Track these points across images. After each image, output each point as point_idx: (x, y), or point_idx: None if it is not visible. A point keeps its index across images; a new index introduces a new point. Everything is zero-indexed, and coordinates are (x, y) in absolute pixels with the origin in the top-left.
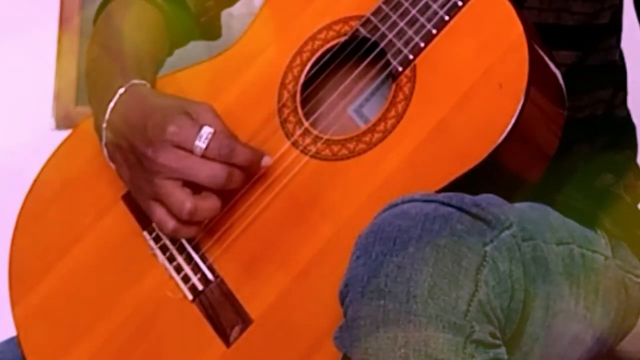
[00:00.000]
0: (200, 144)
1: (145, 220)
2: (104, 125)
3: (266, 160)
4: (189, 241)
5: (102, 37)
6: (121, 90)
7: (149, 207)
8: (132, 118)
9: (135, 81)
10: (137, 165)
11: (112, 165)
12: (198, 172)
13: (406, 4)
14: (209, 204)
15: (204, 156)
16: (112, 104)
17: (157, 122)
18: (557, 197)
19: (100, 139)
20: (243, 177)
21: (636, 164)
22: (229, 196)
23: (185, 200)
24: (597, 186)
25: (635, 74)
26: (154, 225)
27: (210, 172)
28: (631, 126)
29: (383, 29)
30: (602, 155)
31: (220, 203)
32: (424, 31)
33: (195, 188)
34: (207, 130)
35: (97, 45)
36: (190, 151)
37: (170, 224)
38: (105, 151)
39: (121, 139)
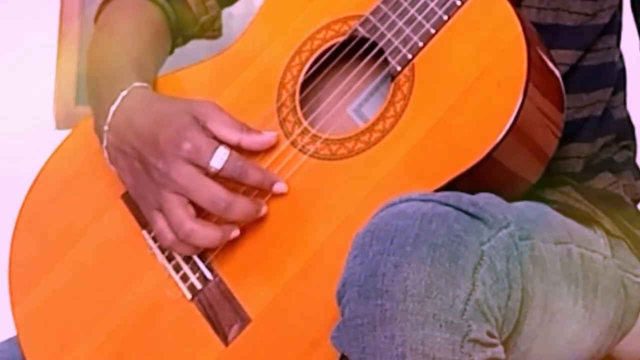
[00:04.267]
0: (215, 164)
1: (144, 220)
2: (106, 127)
3: (279, 187)
4: None
5: (104, 37)
6: (124, 93)
7: (151, 216)
8: (139, 124)
9: (137, 84)
10: (144, 174)
11: (113, 168)
12: (200, 194)
13: (405, 4)
14: (207, 233)
15: (219, 176)
16: (114, 107)
17: (169, 134)
18: (556, 197)
19: (101, 140)
20: (245, 211)
21: (636, 164)
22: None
23: (185, 221)
24: (596, 186)
25: (635, 74)
26: None
27: (210, 197)
28: (631, 126)
29: (382, 28)
30: (602, 155)
31: (220, 236)
32: (422, 31)
33: (205, 211)
34: (222, 151)
35: (99, 46)
36: (204, 169)
37: (169, 237)
38: (105, 153)
39: (125, 144)
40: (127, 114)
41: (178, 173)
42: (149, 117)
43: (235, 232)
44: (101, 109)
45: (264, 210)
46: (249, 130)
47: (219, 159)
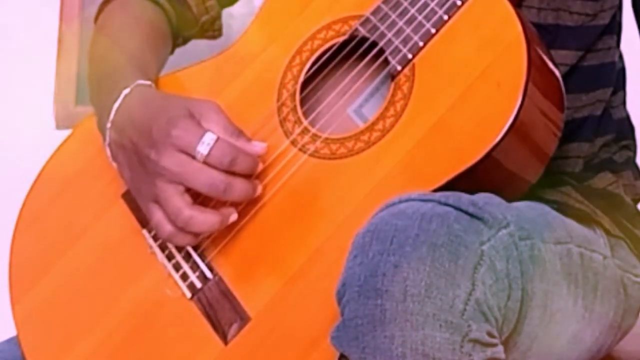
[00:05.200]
0: (202, 150)
1: (144, 219)
2: (108, 125)
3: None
4: None
5: (104, 37)
6: (126, 91)
7: (148, 209)
8: (137, 119)
9: (140, 82)
10: (140, 167)
11: (115, 165)
12: (196, 179)
13: (405, 4)
14: (206, 218)
15: (205, 163)
16: (116, 105)
17: (162, 124)
18: (556, 197)
19: (104, 138)
20: (243, 190)
21: (635, 164)
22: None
23: (182, 208)
24: (596, 186)
25: (635, 74)
26: None
27: (208, 180)
28: (630, 126)
29: (382, 28)
30: (602, 155)
31: (219, 221)
32: (422, 30)
33: (199, 198)
34: (209, 137)
35: (100, 45)
36: (193, 156)
37: (167, 228)
38: (108, 151)
39: (125, 139)
40: (129, 110)
41: (169, 161)
42: (148, 112)
43: (234, 216)
44: (104, 108)
45: (259, 189)
46: (238, 137)
47: (206, 144)
